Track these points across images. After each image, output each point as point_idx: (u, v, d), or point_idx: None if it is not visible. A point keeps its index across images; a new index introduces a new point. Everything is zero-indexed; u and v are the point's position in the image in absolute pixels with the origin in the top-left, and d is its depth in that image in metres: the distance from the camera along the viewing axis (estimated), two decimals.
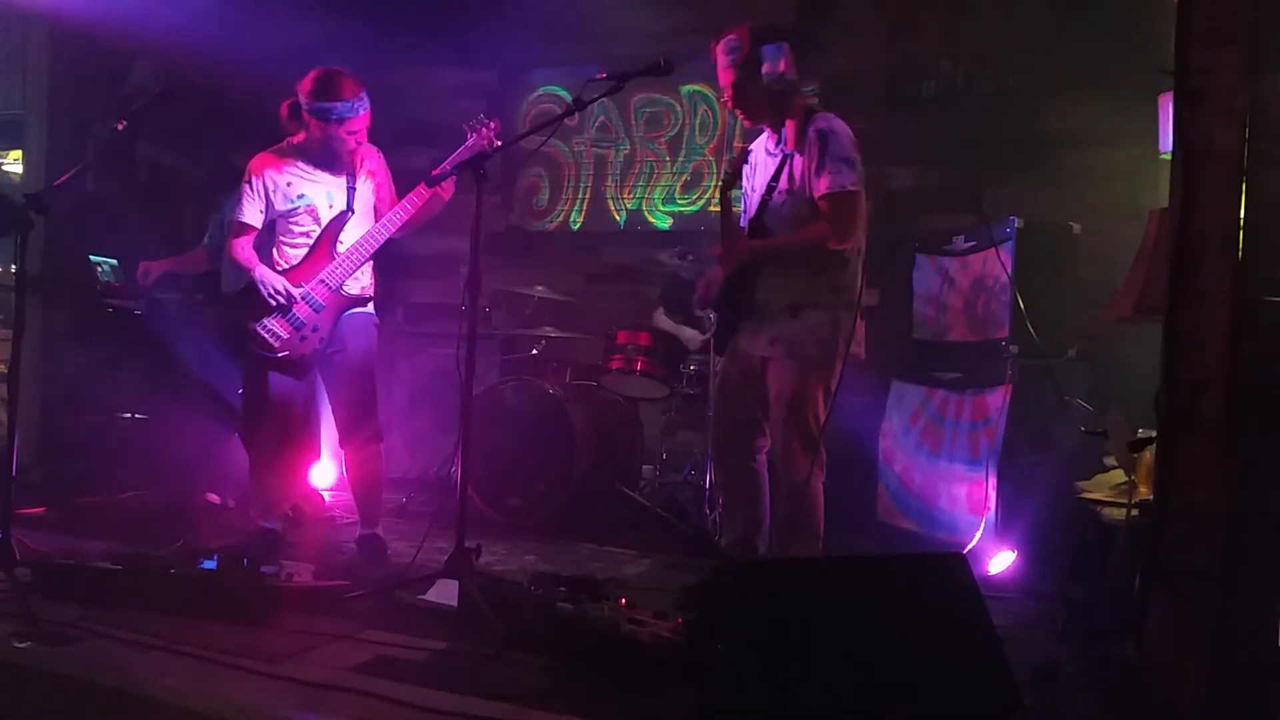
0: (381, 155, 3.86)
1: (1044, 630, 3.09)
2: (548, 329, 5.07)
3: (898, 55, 5.26)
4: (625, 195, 6.06)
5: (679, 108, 5.95)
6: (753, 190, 3.48)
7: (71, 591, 2.96)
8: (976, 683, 2.17)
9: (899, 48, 5.25)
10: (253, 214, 3.66)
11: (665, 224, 5.96)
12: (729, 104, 3.46)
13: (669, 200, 5.94)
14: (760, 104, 3.36)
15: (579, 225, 6.17)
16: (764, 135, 3.51)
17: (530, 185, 6.26)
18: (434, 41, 5.96)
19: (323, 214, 3.69)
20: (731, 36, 3.34)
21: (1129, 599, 2.54)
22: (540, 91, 6.24)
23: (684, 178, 5.89)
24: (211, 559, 3.08)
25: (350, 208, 3.71)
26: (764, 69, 3.28)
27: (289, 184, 3.66)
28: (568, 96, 5.78)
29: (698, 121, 5.92)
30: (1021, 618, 3.22)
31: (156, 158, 5.42)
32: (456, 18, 5.90)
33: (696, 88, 5.85)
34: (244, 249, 3.66)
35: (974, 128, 4.92)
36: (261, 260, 3.66)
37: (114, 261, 5.01)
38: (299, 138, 3.71)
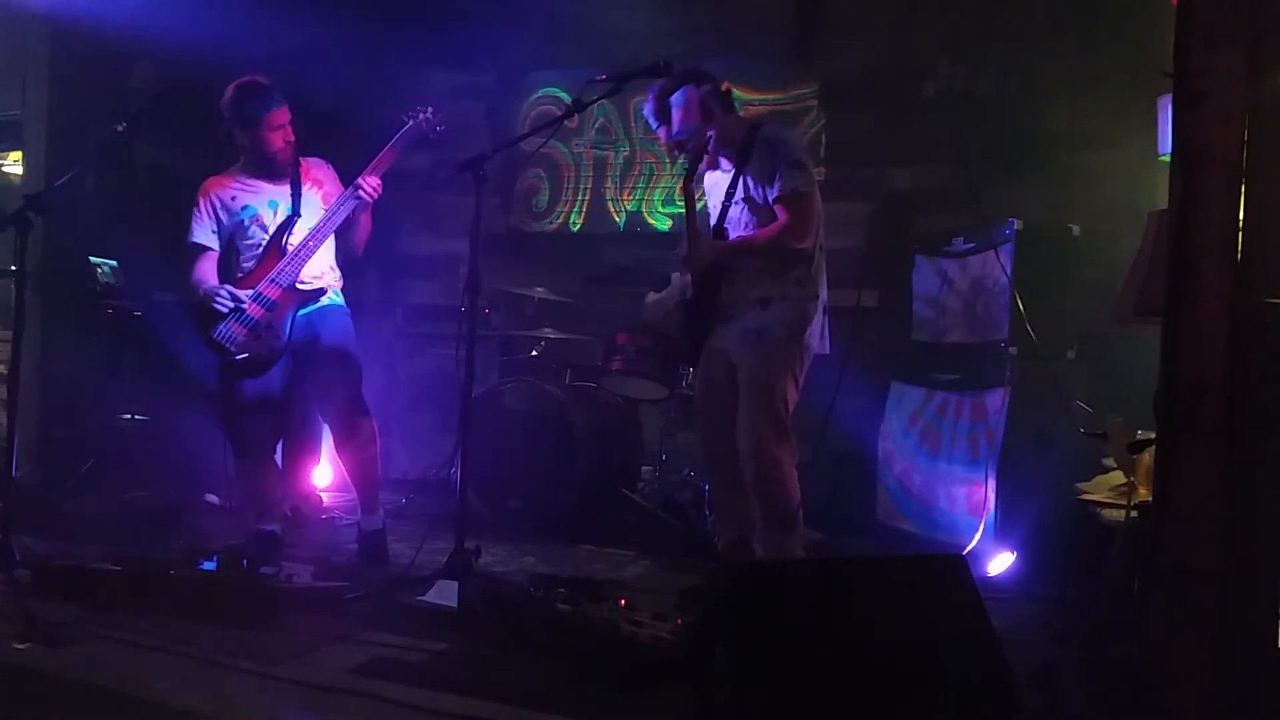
0: (329, 167, 3.91)
1: (1044, 632, 3.09)
2: (547, 330, 5.07)
3: (898, 56, 5.26)
4: (625, 197, 6.06)
5: None
6: (713, 207, 3.59)
7: (71, 592, 2.97)
8: (976, 684, 2.17)
9: (899, 48, 5.25)
10: (203, 234, 3.75)
11: (665, 225, 5.95)
12: (682, 152, 3.54)
13: (669, 202, 5.93)
14: (710, 140, 3.45)
15: (579, 227, 6.16)
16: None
17: (530, 187, 6.26)
18: (433, 43, 5.96)
19: (268, 221, 3.75)
20: (674, 94, 3.42)
21: (1129, 600, 2.55)
22: (540, 93, 6.23)
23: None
24: (211, 560, 3.09)
25: (297, 211, 3.76)
26: (714, 111, 3.40)
27: (233, 198, 3.75)
28: (567, 98, 5.77)
29: None
30: (1021, 619, 3.22)
31: (156, 159, 5.41)
32: (456, 19, 5.90)
33: None
34: (196, 268, 3.73)
35: (974, 128, 4.92)
36: (226, 277, 3.74)
37: (114, 262, 5.00)
38: (241, 155, 3.80)
